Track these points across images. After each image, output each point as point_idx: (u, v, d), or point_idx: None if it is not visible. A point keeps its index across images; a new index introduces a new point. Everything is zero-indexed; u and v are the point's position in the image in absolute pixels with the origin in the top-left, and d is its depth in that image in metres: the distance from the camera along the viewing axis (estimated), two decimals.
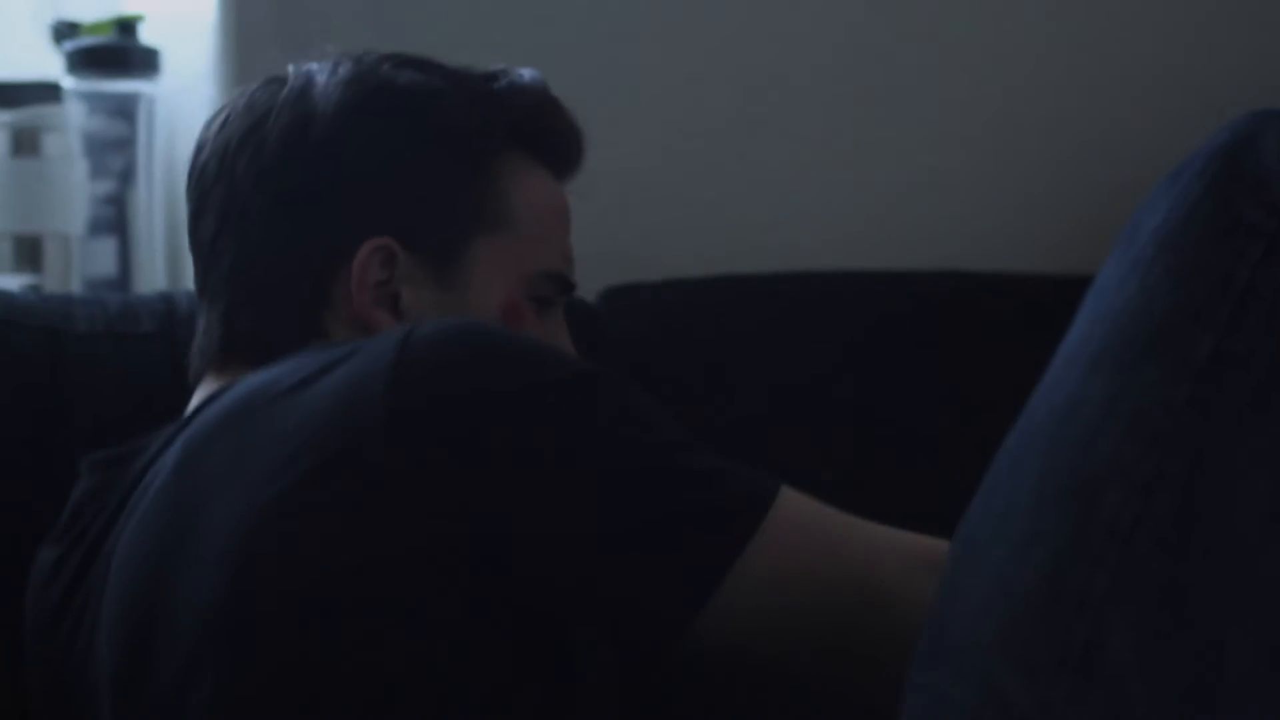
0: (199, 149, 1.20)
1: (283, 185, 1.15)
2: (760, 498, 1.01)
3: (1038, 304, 1.54)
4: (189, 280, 1.64)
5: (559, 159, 1.23)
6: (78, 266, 1.78)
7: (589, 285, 1.54)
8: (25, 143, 1.76)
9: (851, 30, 1.73)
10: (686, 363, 1.53)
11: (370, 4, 1.64)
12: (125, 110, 1.78)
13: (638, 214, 1.69)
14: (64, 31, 1.81)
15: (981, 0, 1.76)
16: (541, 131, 1.21)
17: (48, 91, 1.78)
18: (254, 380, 1.06)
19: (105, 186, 1.80)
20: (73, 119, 1.78)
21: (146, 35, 1.79)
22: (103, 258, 1.79)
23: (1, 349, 1.32)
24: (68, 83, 1.77)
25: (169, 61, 1.78)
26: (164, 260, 1.76)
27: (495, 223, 1.17)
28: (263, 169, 1.16)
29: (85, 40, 1.79)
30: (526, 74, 1.22)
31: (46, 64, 1.81)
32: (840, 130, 1.73)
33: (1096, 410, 0.89)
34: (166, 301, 1.42)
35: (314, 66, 1.19)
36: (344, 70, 1.18)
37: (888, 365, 1.54)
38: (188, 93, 1.73)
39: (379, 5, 1.64)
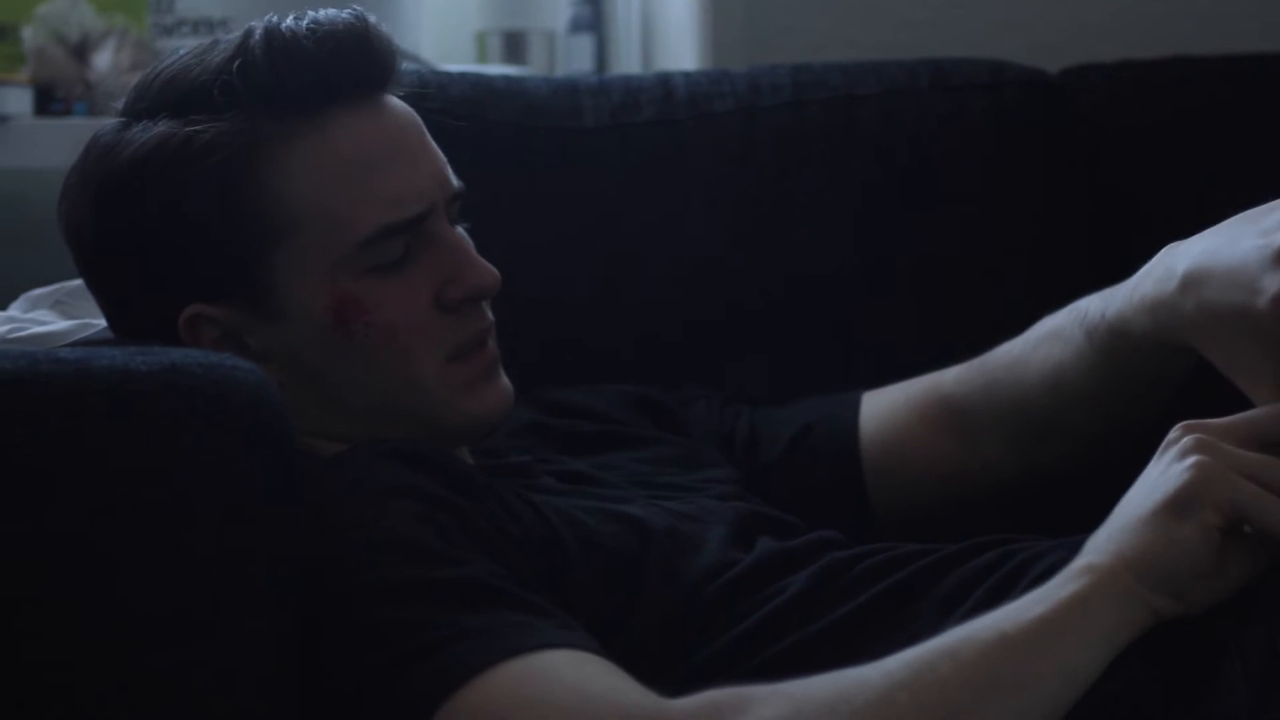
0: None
1: (98, 292, 1.16)
2: (451, 675, 0.93)
3: None
4: None
5: (334, 91, 1.10)
6: (560, 60, 1.89)
7: (1052, 62, 1.58)
8: None
9: None
10: (1139, 142, 1.55)
11: None
12: None
13: None
14: None
15: None
16: (295, 85, 1.09)
17: None
18: None
19: None
20: None
21: None
22: (581, 53, 1.91)
23: (519, 152, 1.43)
24: None
25: None
26: (639, 55, 1.84)
27: (280, 230, 1.09)
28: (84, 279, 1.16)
29: None
30: (256, 30, 1.10)
31: None
32: None
33: None
34: (664, 85, 1.49)
35: (75, 164, 1.14)
36: (79, 169, 1.13)
37: None
38: None
39: None
